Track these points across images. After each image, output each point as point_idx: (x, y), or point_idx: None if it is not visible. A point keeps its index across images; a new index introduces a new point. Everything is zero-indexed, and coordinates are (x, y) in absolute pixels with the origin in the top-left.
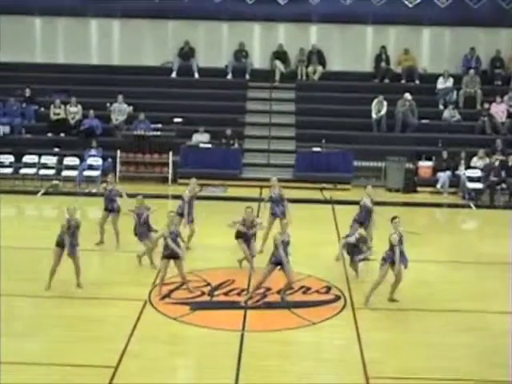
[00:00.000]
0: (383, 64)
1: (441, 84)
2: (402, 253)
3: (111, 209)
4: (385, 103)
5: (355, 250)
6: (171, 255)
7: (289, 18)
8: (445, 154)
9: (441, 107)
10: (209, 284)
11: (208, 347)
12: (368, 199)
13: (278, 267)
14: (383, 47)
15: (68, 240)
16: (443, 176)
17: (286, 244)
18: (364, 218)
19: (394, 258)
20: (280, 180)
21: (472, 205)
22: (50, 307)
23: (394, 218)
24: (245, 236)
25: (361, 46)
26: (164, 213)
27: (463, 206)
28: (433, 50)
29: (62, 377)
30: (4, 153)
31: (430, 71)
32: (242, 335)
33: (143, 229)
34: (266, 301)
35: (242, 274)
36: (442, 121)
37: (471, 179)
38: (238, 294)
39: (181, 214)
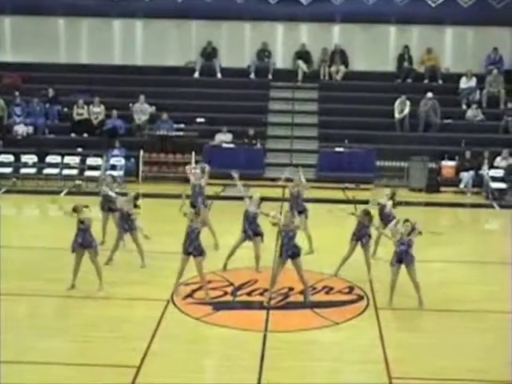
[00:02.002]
0: (406, 64)
1: (464, 84)
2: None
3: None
4: (408, 103)
5: None
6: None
7: (311, 18)
8: (468, 154)
9: (464, 107)
10: (231, 284)
11: (230, 347)
12: None
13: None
14: (406, 47)
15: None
16: (466, 176)
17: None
18: None
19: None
20: None
21: (495, 205)
22: (73, 307)
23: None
24: None
25: (383, 45)
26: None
27: (486, 206)
28: (455, 49)
29: (83, 377)
30: (27, 153)
31: (453, 71)
32: (265, 335)
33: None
34: (288, 301)
35: (264, 274)
36: (465, 120)
37: (495, 179)
38: (261, 294)
39: None
